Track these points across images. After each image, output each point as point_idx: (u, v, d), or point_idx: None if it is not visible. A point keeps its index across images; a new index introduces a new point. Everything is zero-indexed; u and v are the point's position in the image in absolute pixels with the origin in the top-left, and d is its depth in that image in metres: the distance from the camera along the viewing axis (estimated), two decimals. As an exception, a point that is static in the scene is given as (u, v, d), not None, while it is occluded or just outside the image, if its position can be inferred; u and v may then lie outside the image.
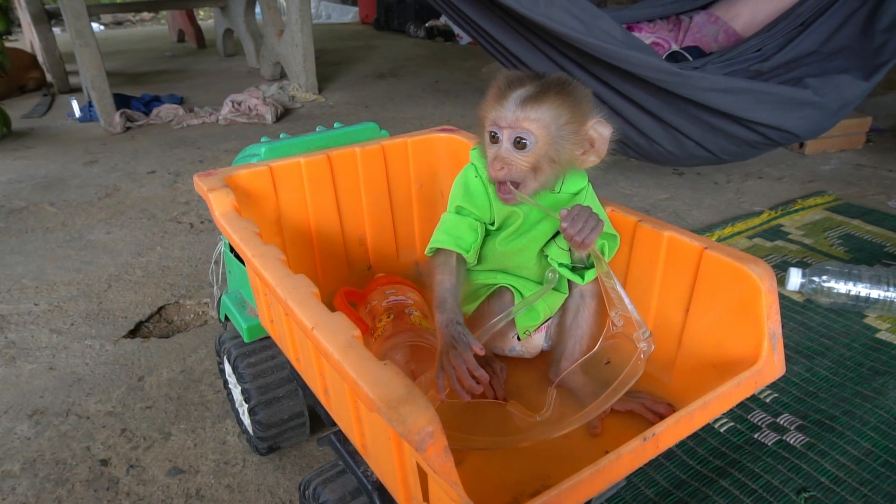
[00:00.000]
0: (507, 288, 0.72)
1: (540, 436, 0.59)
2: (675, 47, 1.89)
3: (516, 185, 0.66)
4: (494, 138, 0.66)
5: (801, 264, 1.34)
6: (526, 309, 0.71)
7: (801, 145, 2.05)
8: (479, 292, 0.74)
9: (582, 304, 0.72)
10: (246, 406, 0.85)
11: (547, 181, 0.67)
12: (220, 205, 0.71)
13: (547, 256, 0.70)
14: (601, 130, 0.65)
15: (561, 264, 0.68)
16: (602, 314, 0.72)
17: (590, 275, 0.68)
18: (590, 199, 0.71)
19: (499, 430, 0.63)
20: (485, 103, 0.67)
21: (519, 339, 0.74)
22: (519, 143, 0.64)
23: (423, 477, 0.44)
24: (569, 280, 0.73)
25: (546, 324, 0.74)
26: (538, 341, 0.75)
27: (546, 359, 0.76)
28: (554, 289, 0.72)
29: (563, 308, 0.73)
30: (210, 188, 0.72)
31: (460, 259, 0.70)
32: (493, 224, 0.71)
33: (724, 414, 0.90)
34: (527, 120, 0.63)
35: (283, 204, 0.84)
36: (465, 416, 0.65)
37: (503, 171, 0.65)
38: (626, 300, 0.63)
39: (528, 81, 0.64)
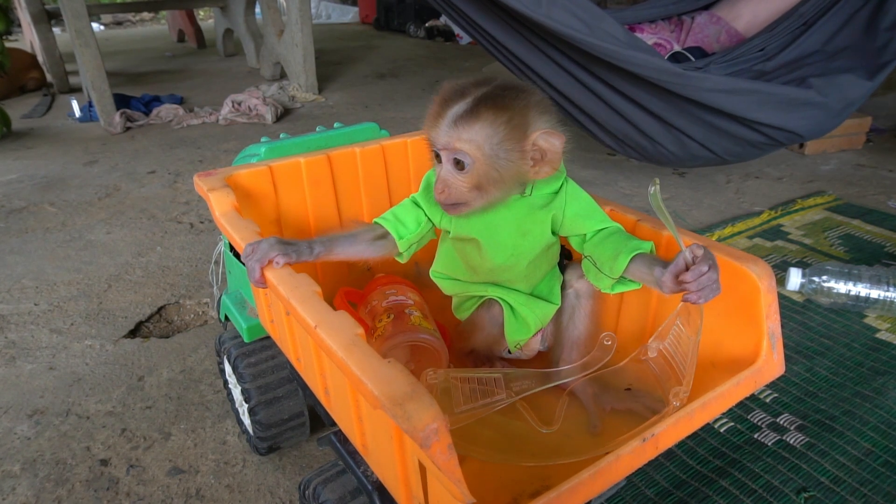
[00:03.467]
0: (496, 300, 0.72)
1: (546, 459, 0.59)
2: (677, 48, 1.89)
3: (463, 205, 0.63)
4: (438, 158, 0.63)
5: (801, 264, 1.33)
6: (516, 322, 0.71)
7: (802, 145, 2.05)
8: (470, 302, 0.74)
9: (577, 305, 0.72)
10: (246, 406, 0.85)
11: (497, 198, 0.64)
12: (220, 204, 0.71)
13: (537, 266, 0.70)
14: (551, 141, 0.61)
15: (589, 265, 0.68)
16: (599, 314, 0.72)
17: (618, 287, 0.66)
18: (572, 196, 0.68)
19: (507, 442, 0.62)
20: (425, 120, 0.64)
21: (510, 352, 0.75)
22: (458, 164, 0.61)
23: (423, 476, 0.44)
24: (562, 285, 0.73)
25: (541, 329, 0.74)
26: (534, 345, 0.75)
27: (545, 359, 0.76)
28: (545, 300, 0.72)
29: (559, 308, 0.73)
30: (210, 188, 0.73)
31: (390, 240, 0.69)
32: (448, 231, 0.70)
33: (723, 414, 0.90)
34: (459, 140, 0.60)
35: (283, 204, 0.84)
36: (472, 426, 0.64)
37: (443, 194, 0.62)
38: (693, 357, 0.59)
39: (465, 95, 0.61)
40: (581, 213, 0.68)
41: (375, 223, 0.70)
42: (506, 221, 0.67)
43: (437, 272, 0.76)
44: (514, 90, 0.61)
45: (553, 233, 0.69)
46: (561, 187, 0.68)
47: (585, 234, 0.68)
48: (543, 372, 0.69)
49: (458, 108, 0.60)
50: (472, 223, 0.68)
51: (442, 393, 0.63)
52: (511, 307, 0.71)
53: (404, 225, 0.70)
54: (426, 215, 0.70)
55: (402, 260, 0.72)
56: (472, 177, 0.61)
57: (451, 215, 0.66)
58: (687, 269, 0.54)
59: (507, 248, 0.68)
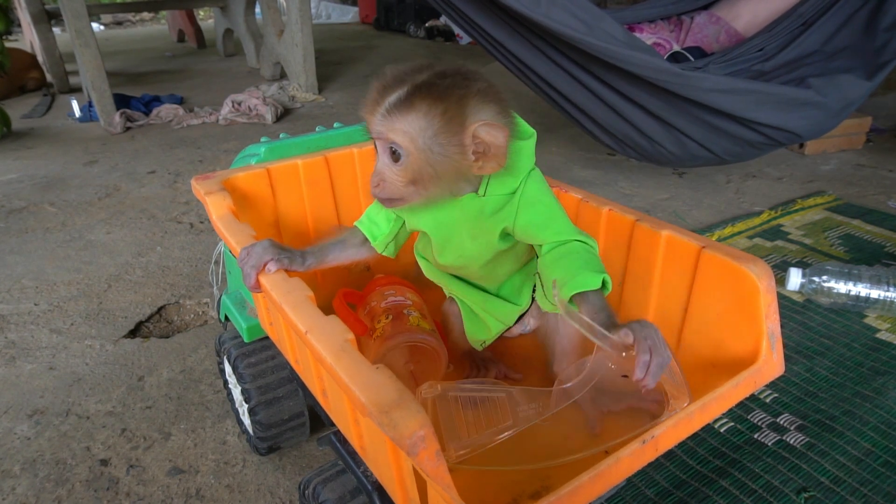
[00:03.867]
0: (454, 299, 0.71)
1: (546, 461, 0.58)
2: (676, 48, 1.89)
3: (399, 200, 0.59)
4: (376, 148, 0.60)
5: (801, 264, 1.33)
6: (477, 323, 0.70)
7: (801, 145, 2.05)
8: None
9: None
10: (246, 406, 0.85)
11: (437, 194, 0.59)
12: (217, 208, 0.71)
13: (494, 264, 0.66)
14: (493, 133, 0.56)
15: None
16: None
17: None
18: (526, 202, 0.61)
19: (505, 449, 0.62)
20: (364, 106, 0.60)
21: (480, 349, 0.73)
22: (394, 155, 0.57)
23: (418, 479, 0.44)
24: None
25: (523, 316, 0.72)
26: (516, 331, 0.74)
27: (538, 348, 0.75)
28: (508, 301, 0.70)
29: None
30: (207, 191, 0.73)
31: (367, 241, 0.69)
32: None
33: (723, 414, 0.90)
34: (392, 131, 0.56)
35: (281, 206, 0.84)
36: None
37: (378, 187, 0.59)
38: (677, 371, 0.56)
39: (403, 82, 0.56)
40: (534, 222, 0.62)
41: (355, 226, 0.70)
42: (456, 222, 0.64)
43: (417, 250, 0.74)
44: (455, 77, 0.57)
45: (509, 237, 0.65)
46: (517, 189, 0.62)
47: (542, 246, 0.62)
48: (549, 391, 0.67)
49: (395, 96, 0.56)
50: (422, 218, 0.65)
51: (443, 421, 0.60)
52: (469, 307, 0.70)
53: (377, 225, 0.69)
54: (394, 211, 0.68)
55: (394, 256, 0.71)
56: (407, 170, 0.57)
57: (388, 209, 0.64)
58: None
59: (456, 250, 0.65)
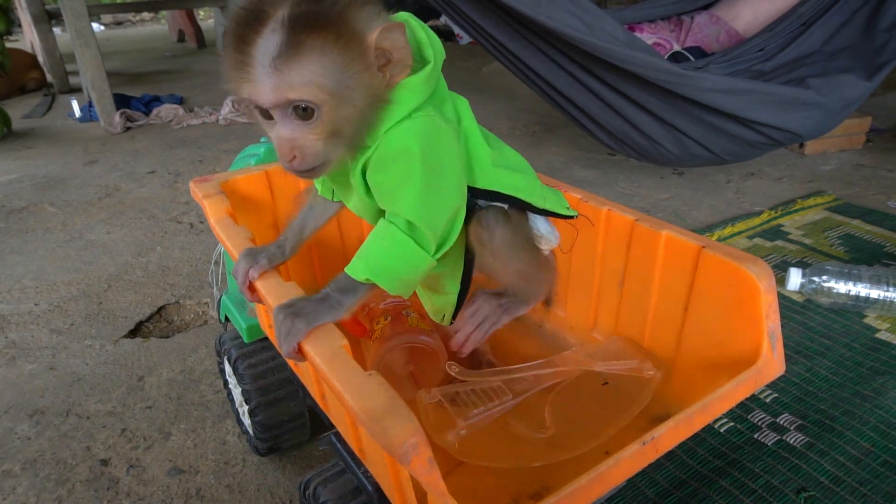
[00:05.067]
0: None
1: (549, 458, 0.59)
2: (676, 48, 1.89)
3: (322, 165, 0.51)
4: (267, 115, 0.49)
5: (801, 264, 1.33)
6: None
7: (801, 145, 2.05)
8: None
9: (482, 253, 0.61)
10: (246, 407, 0.85)
11: (358, 138, 0.51)
12: (215, 211, 0.71)
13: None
14: (392, 37, 0.48)
15: None
16: (506, 251, 0.63)
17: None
18: (390, 150, 0.51)
19: (505, 446, 0.62)
20: (225, 68, 0.48)
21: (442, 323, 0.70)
22: (305, 113, 0.47)
23: (418, 485, 0.44)
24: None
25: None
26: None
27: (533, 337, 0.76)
28: (434, 291, 0.67)
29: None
30: (205, 194, 0.73)
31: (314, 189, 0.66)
32: None
33: (724, 414, 0.90)
34: (292, 89, 0.46)
35: (279, 208, 0.84)
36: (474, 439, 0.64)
37: (296, 160, 0.49)
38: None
39: (264, 22, 0.45)
40: (382, 187, 0.53)
41: (311, 185, 0.68)
42: (346, 177, 0.56)
43: None
44: None
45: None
46: (381, 137, 0.51)
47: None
48: (538, 373, 0.68)
49: (268, 45, 0.45)
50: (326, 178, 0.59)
51: (450, 402, 0.61)
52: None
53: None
54: None
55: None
56: (323, 125, 0.48)
57: (309, 179, 0.55)
58: None
59: (352, 203, 0.60)
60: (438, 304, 0.68)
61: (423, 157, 0.51)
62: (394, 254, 0.52)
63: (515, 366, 0.67)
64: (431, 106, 0.53)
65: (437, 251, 0.54)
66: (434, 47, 0.54)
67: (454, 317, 0.66)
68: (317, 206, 0.67)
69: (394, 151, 0.51)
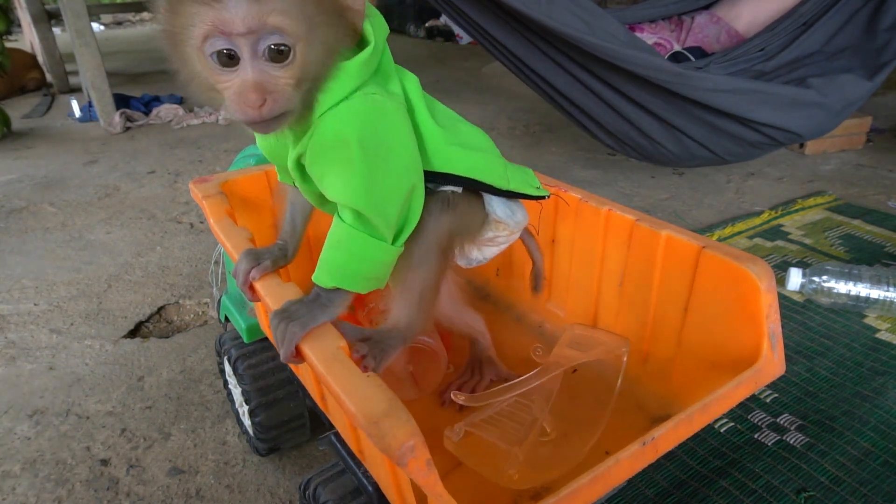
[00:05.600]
0: None
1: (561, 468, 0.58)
2: (677, 48, 1.89)
3: (285, 115, 0.45)
4: (229, 58, 0.42)
5: (801, 264, 1.33)
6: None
7: (802, 145, 2.05)
8: None
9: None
10: (246, 407, 0.85)
11: (318, 88, 0.47)
12: (214, 211, 0.71)
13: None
14: None
15: None
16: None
17: None
18: (324, 139, 0.48)
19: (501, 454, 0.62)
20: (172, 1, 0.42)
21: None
22: (277, 55, 0.42)
23: (416, 486, 0.44)
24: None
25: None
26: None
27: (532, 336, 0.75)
28: None
29: None
30: (205, 195, 0.73)
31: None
32: None
33: (724, 414, 0.90)
34: (271, 14, 0.40)
35: (279, 208, 0.84)
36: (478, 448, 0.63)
37: (266, 105, 0.43)
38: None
39: None
40: (323, 178, 0.50)
41: (280, 181, 0.66)
42: (279, 143, 0.53)
43: None
44: None
45: None
46: (314, 122, 0.48)
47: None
48: (542, 381, 0.67)
49: None
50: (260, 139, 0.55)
51: (483, 433, 0.60)
52: None
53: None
54: None
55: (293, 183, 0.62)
56: (296, 66, 0.43)
57: (267, 134, 0.47)
58: None
59: (306, 195, 0.57)
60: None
61: (362, 142, 0.47)
62: (353, 254, 0.50)
63: (513, 381, 0.65)
64: (374, 84, 0.49)
65: (396, 238, 0.52)
66: (375, 23, 0.51)
67: None
68: (297, 200, 0.65)
69: (330, 139, 0.47)
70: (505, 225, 0.64)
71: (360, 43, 0.50)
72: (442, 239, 0.57)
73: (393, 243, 0.52)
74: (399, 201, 0.51)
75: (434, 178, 0.56)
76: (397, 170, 0.50)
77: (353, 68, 0.47)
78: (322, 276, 0.51)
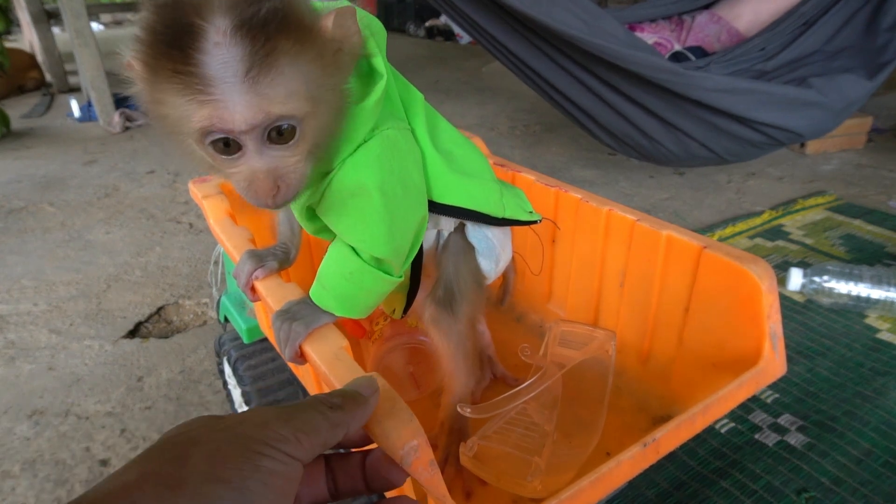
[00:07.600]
0: None
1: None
2: (677, 47, 1.89)
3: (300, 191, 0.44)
4: (229, 146, 0.39)
5: (802, 264, 1.33)
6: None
7: (802, 145, 2.05)
8: None
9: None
10: (246, 409, 0.85)
11: (333, 148, 0.45)
12: (214, 211, 0.71)
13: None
14: (346, 24, 0.41)
15: None
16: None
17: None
18: (343, 187, 0.46)
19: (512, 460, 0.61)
20: (154, 89, 0.37)
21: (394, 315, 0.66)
22: (282, 136, 0.39)
23: (418, 485, 0.44)
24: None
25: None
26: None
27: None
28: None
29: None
30: (205, 195, 0.73)
31: None
32: None
33: (724, 415, 0.90)
34: (274, 104, 0.37)
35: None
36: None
37: (281, 193, 0.41)
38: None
39: (203, 35, 0.35)
40: (340, 227, 0.49)
41: None
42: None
43: None
44: None
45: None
46: (332, 172, 0.46)
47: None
48: (545, 386, 0.67)
49: (231, 58, 0.35)
50: None
51: (498, 443, 0.60)
52: None
53: None
54: None
55: None
56: (304, 141, 0.41)
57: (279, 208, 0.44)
58: None
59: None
60: (388, 298, 0.64)
61: (383, 189, 0.46)
62: (364, 288, 0.51)
63: (518, 388, 0.65)
64: (385, 113, 0.48)
65: (402, 268, 0.53)
66: (373, 30, 0.49)
67: (405, 311, 0.63)
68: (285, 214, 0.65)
69: (349, 188, 0.46)
70: (485, 279, 0.65)
71: (362, 60, 0.48)
72: (477, 316, 0.62)
73: (399, 276, 0.53)
74: (412, 236, 0.52)
75: (432, 208, 0.55)
76: (413, 206, 0.51)
77: (368, 110, 0.45)
78: (328, 302, 0.51)
